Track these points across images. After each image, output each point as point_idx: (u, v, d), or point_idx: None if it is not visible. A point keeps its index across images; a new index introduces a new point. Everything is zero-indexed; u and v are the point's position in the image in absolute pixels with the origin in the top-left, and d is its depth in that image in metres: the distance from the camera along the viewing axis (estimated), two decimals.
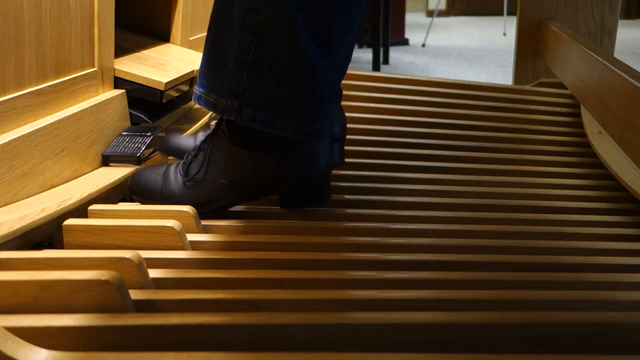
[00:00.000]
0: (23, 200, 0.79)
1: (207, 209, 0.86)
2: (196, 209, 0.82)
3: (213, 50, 0.82)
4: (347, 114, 1.04)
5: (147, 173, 0.88)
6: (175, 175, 0.86)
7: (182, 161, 0.87)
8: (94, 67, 0.98)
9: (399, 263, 0.75)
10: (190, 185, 0.84)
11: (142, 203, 0.88)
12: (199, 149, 0.86)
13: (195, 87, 0.85)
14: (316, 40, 0.77)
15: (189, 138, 0.99)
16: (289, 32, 0.75)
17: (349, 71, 1.23)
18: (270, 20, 0.75)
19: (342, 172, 1.06)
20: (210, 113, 1.24)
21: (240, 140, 0.82)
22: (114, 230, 0.76)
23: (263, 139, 0.81)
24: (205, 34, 1.45)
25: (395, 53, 3.61)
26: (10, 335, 0.53)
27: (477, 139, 1.26)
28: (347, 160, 1.12)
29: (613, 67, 1.01)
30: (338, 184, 1.01)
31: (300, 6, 0.75)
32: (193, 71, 1.15)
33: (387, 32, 3.32)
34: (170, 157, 1.00)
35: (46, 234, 0.77)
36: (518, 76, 1.73)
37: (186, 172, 0.85)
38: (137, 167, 0.95)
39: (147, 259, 0.69)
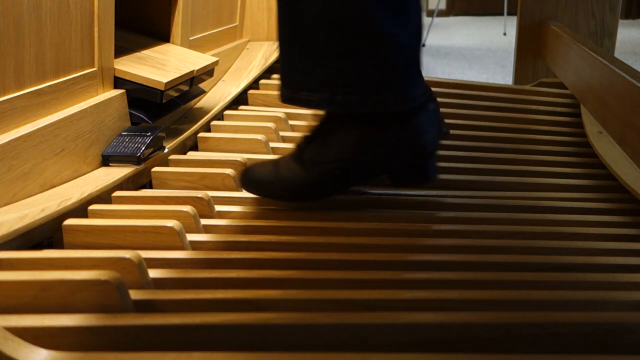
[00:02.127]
0: (23, 200, 0.79)
1: (323, 194, 0.89)
2: (312, 196, 0.87)
3: (291, 49, 0.85)
4: None
5: (256, 167, 0.91)
6: (289, 165, 0.88)
7: (295, 150, 0.90)
8: (94, 67, 0.98)
9: (399, 263, 0.75)
10: (307, 169, 0.87)
11: (260, 195, 0.90)
12: (312, 135, 0.88)
13: (280, 90, 0.88)
14: (391, 14, 0.80)
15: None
16: (367, 19, 0.79)
17: None
18: (346, 13, 0.79)
19: None
20: (211, 113, 1.25)
21: (350, 121, 0.85)
22: (114, 230, 0.76)
23: (371, 117, 0.84)
24: (205, 33, 1.45)
25: None
26: (10, 335, 0.53)
27: (477, 139, 1.26)
28: None
29: (613, 67, 1.01)
30: None
31: None
32: (193, 71, 1.15)
33: None
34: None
35: (46, 234, 0.77)
36: (518, 76, 1.73)
37: (301, 159, 0.88)
38: (138, 167, 0.95)
39: (147, 259, 0.69)
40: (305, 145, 0.88)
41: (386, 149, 0.85)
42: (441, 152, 1.18)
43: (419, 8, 0.86)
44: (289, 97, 0.87)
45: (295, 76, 0.86)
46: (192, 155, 1.09)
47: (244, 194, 0.94)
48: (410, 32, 0.83)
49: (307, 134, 0.90)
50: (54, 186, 0.85)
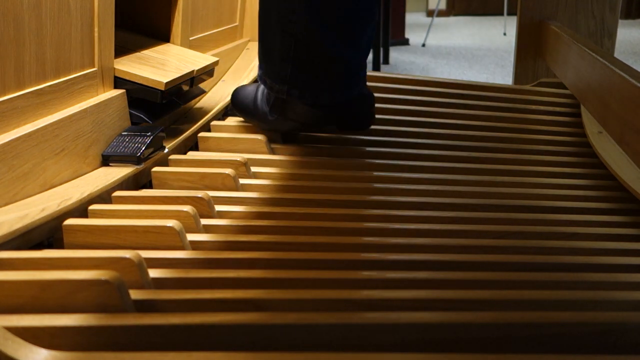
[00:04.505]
0: (23, 200, 0.79)
1: (286, 132, 1.17)
2: (278, 131, 1.16)
3: (264, 46, 1.10)
4: None
5: (242, 93, 1.20)
6: (261, 105, 1.15)
7: (266, 94, 1.14)
8: (94, 67, 0.98)
9: (399, 263, 0.75)
10: (272, 117, 1.13)
11: (241, 116, 1.21)
12: (276, 98, 1.11)
13: (258, 69, 1.15)
14: (340, 39, 1.04)
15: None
16: (318, 37, 1.02)
17: None
18: (302, 29, 1.02)
19: (342, 173, 1.06)
20: (211, 113, 1.26)
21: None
22: (114, 230, 0.76)
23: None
24: (205, 33, 1.46)
25: (395, 53, 3.61)
26: (10, 335, 0.53)
27: (477, 139, 1.26)
28: (346, 160, 1.12)
29: (613, 67, 1.01)
30: (337, 184, 1.01)
31: (325, 18, 1.02)
32: (193, 71, 1.15)
33: (387, 32, 3.32)
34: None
35: (46, 234, 0.77)
36: (518, 76, 1.72)
37: (270, 110, 1.13)
38: (137, 166, 0.95)
39: (147, 259, 0.69)
40: (272, 100, 1.12)
41: (328, 119, 1.11)
42: (441, 152, 1.18)
43: (369, 36, 1.08)
44: (259, 76, 1.13)
45: (265, 64, 1.11)
46: (192, 155, 1.09)
47: (244, 194, 0.95)
48: (357, 52, 1.07)
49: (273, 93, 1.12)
50: (54, 186, 0.85)
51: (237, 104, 1.20)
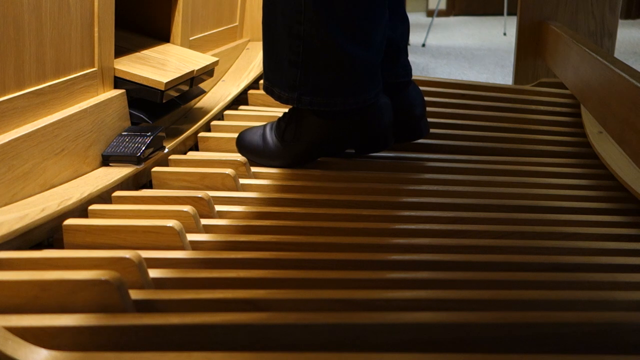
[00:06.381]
0: (23, 200, 0.79)
1: (298, 163, 1.08)
2: (290, 164, 1.07)
3: (270, 53, 1.04)
4: None
5: (248, 135, 1.11)
6: (273, 138, 1.08)
7: (276, 125, 1.09)
8: (94, 67, 0.98)
9: (399, 263, 0.75)
10: (285, 144, 1.07)
11: (249, 159, 1.07)
12: (289, 117, 1.07)
13: (263, 80, 1.07)
14: (351, 37, 0.98)
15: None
16: (328, 36, 0.96)
17: None
18: (310, 29, 0.96)
19: (342, 173, 1.06)
20: (211, 113, 1.25)
21: (316, 112, 1.04)
22: (114, 230, 0.76)
23: (331, 112, 1.03)
24: (205, 33, 1.45)
25: None
26: (10, 335, 0.53)
27: (477, 139, 1.26)
28: (346, 160, 1.12)
29: (613, 67, 1.01)
30: (337, 184, 1.01)
31: (334, 14, 0.95)
32: (193, 71, 1.15)
33: None
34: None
35: (46, 234, 0.77)
36: (518, 76, 1.73)
37: (282, 137, 1.07)
38: (137, 166, 0.95)
39: (147, 259, 0.69)
40: (285, 125, 1.07)
41: (344, 134, 1.05)
42: (441, 153, 1.18)
43: (382, 34, 1.02)
44: (266, 88, 1.06)
45: (271, 73, 1.04)
46: (192, 155, 1.09)
47: (244, 194, 0.95)
48: (370, 51, 1.00)
49: (286, 112, 1.08)
50: (54, 186, 0.85)
51: (244, 145, 1.10)
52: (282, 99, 1.03)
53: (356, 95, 1.01)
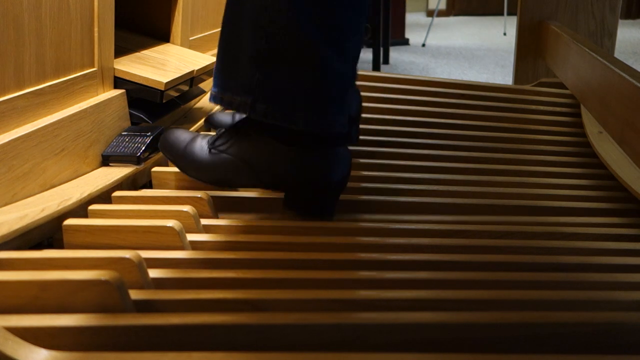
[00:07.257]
0: (23, 200, 0.79)
1: (221, 182, 0.90)
2: (207, 178, 0.89)
3: (226, 50, 0.86)
4: None
5: (178, 132, 0.94)
6: (201, 143, 0.90)
7: (214, 134, 0.91)
8: (94, 67, 0.98)
9: (399, 263, 0.75)
10: (213, 153, 0.88)
11: (168, 159, 0.93)
12: (231, 128, 0.89)
13: (211, 87, 0.89)
14: (326, 37, 0.80)
15: (228, 116, 1.06)
16: (298, 30, 0.78)
17: None
18: (278, 19, 0.78)
19: None
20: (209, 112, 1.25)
21: (266, 130, 0.85)
22: (114, 230, 0.76)
23: (286, 134, 0.83)
24: (205, 34, 1.45)
25: (395, 53, 3.61)
26: (10, 335, 0.53)
27: (477, 139, 1.26)
28: None
29: (613, 67, 1.01)
30: None
31: (307, 5, 0.78)
32: (193, 71, 1.15)
33: (387, 32, 3.31)
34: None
35: (46, 234, 0.77)
36: (518, 76, 1.73)
37: (213, 142, 0.89)
38: (137, 166, 0.95)
39: (147, 259, 0.69)
40: (223, 132, 0.89)
41: (287, 168, 0.84)
42: (441, 152, 1.18)
43: (358, 47, 0.85)
44: (214, 96, 0.88)
45: (224, 76, 0.86)
46: None
47: (244, 194, 0.94)
48: (346, 61, 0.83)
49: (230, 125, 0.91)
50: (54, 186, 0.85)
51: (168, 144, 0.93)
52: (232, 105, 0.85)
53: (322, 116, 0.81)
